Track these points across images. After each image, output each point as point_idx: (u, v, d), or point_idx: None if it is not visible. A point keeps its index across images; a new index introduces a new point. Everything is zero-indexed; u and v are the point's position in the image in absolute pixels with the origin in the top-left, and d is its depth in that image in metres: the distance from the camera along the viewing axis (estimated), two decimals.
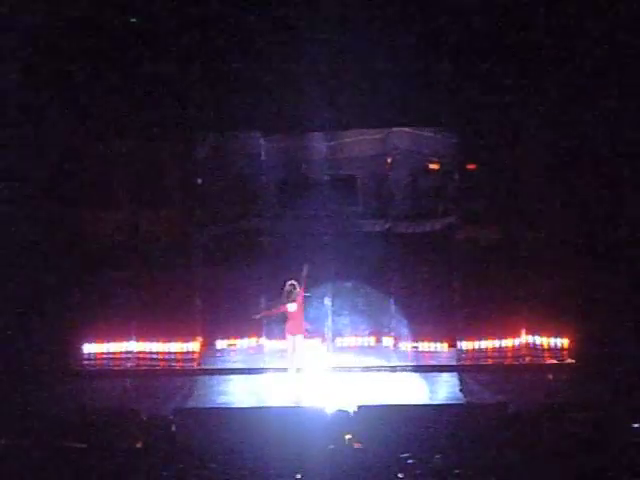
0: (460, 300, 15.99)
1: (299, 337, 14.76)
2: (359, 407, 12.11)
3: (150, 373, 15.82)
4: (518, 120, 15.60)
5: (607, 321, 15.01)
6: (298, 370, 14.83)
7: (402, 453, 10.07)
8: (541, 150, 15.74)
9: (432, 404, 13.58)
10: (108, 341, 15.99)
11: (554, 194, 15.70)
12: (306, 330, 15.10)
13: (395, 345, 16.28)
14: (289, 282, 14.75)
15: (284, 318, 14.94)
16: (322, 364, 15.71)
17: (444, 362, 16.03)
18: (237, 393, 14.61)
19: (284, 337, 14.96)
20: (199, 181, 16.38)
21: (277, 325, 15.82)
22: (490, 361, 15.97)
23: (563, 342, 15.84)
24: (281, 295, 14.86)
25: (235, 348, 16.50)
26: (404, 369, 15.74)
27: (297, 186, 16.59)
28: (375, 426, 11.18)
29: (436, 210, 16.47)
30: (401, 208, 16.42)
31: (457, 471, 9.44)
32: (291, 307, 14.72)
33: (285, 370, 14.90)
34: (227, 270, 16.41)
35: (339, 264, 16.36)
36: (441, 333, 16.31)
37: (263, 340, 16.37)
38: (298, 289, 14.73)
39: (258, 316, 15.62)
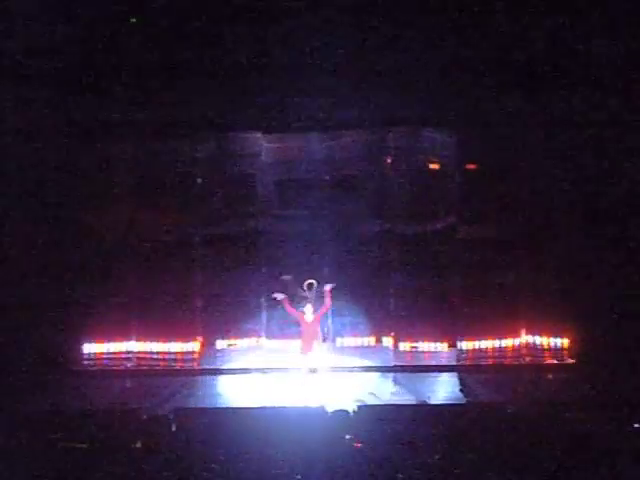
0: (460, 300, 15.99)
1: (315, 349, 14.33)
2: (359, 407, 12.12)
3: (150, 373, 15.84)
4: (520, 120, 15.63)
5: (607, 321, 15.01)
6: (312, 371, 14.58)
7: (402, 453, 10.07)
8: (542, 149, 15.74)
9: (432, 404, 13.58)
10: (108, 341, 16.01)
11: (555, 194, 15.71)
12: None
13: (395, 345, 16.27)
14: (307, 281, 14.37)
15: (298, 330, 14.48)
16: (322, 364, 15.69)
17: (444, 362, 16.04)
18: (237, 393, 14.62)
19: (302, 352, 14.39)
20: (199, 181, 16.40)
21: (277, 324, 15.93)
22: (490, 361, 15.99)
23: (563, 342, 15.86)
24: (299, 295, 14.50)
25: (235, 348, 16.51)
26: (404, 369, 15.76)
27: (297, 186, 16.59)
28: (375, 426, 11.17)
29: (436, 210, 16.46)
30: (401, 208, 16.40)
31: (457, 471, 9.44)
32: (308, 316, 14.23)
33: (286, 370, 14.95)
34: (227, 270, 16.41)
35: (339, 264, 16.36)
36: (441, 333, 16.31)
37: (263, 340, 16.38)
38: (315, 286, 14.32)
39: (280, 297, 14.45)
